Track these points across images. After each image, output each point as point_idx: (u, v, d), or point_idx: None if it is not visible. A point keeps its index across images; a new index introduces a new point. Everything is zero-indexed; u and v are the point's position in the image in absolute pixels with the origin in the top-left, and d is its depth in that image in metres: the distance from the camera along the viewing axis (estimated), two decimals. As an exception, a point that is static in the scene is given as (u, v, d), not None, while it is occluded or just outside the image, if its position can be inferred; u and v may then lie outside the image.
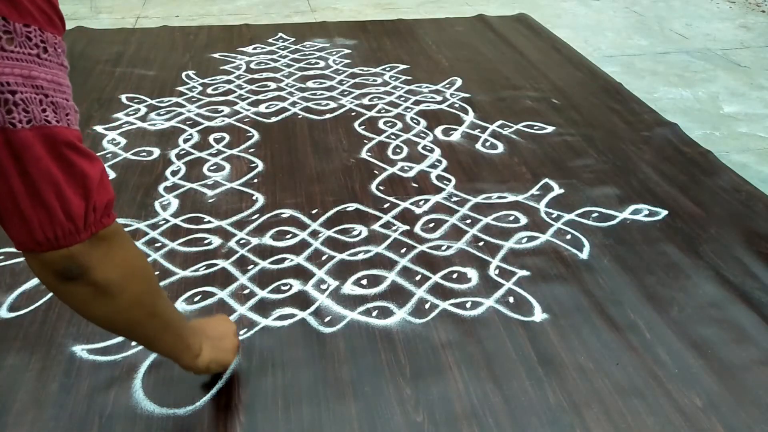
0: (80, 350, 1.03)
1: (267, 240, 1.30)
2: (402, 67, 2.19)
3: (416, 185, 1.51)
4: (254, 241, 1.30)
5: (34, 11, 0.56)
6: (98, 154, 1.58)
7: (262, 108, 1.87)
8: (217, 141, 1.68)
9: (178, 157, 1.60)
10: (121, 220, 1.35)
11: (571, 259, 1.27)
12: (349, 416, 0.93)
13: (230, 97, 1.93)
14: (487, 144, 1.70)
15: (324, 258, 1.25)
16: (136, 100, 1.90)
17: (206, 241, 1.29)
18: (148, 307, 0.75)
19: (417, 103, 1.92)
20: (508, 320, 1.11)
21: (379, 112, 1.86)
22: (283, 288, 1.18)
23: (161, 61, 2.18)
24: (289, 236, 1.32)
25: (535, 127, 1.79)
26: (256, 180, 1.51)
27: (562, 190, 1.49)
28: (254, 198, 1.44)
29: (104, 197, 0.63)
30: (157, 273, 1.20)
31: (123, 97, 1.91)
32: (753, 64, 2.59)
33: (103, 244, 0.65)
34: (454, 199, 1.45)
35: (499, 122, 1.82)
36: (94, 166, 0.62)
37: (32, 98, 0.56)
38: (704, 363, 1.03)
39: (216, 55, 2.25)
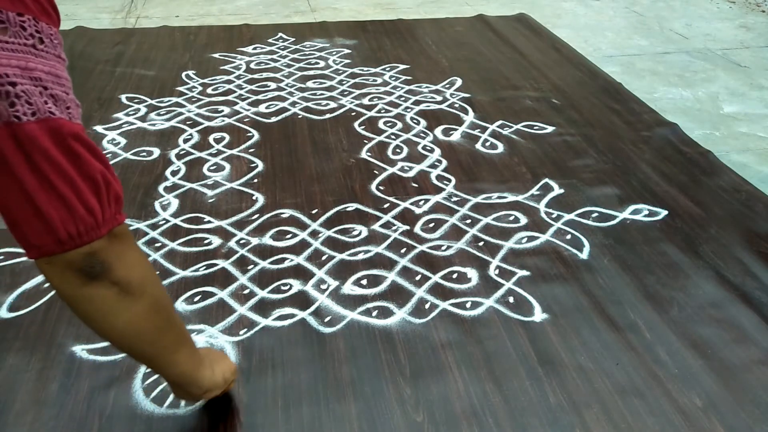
0: (80, 350, 1.03)
1: (267, 240, 1.30)
2: (402, 67, 2.19)
3: (416, 185, 1.51)
4: (254, 241, 1.30)
5: (27, 0, 0.54)
6: (98, 154, 1.59)
7: (262, 108, 1.87)
8: (217, 141, 1.68)
9: (178, 157, 1.60)
10: (121, 220, 1.35)
11: (571, 259, 1.27)
12: (349, 416, 0.93)
13: (230, 97, 1.93)
14: (487, 144, 1.70)
15: (324, 258, 1.25)
16: (136, 100, 1.90)
17: (206, 241, 1.29)
18: (167, 312, 0.72)
19: (417, 103, 1.92)
20: (508, 320, 1.11)
21: (379, 112, 1.86)
22: (283, 288, 1.18)
23: (161, 61, 2.18)
24: (289, 236, 1.32)
25: (535, 127, 1.79)
26: (256, 180, 1.51)
27: (562, 190, 1.49)
28: (254, 198, 1.44)
29: (115, 190, 0.61)
30: (156, 273, 1.20)
31: (123, 97, 1.91)
32: (753, 64, 2.59)
33: (119, 241, 0.63)
34: (454, 199, 1.45)
35: (499, 122, 1.82)
36: (101, 159, 0.60)
37: (32, 90, 0.53)
38: (704, 363, 1.03)
39: (216, 55, 2.25)
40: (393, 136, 1.73)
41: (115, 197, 0.62)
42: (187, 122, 1.78)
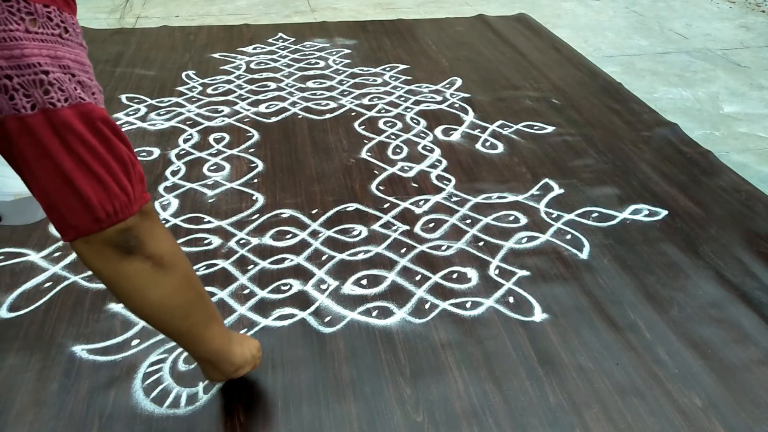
0: (80, 350, 1.03)
1: (267, 240, 1.30)
2: (402, 67, 2.19)
3: (416, 185, 1.51)
4: (254, 241, 1.30)
5: None
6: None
7: (262, 108, 1.87)
8: (217, 141, 1.68)
9: (178, 157, 1.60)
10: (121, 220, 1.35)
11: (571, 259, 1.27)
12: (349, 416, 0.93)
13: (230, 97, 1.93)
14: (487, 144, 1.70)
15: (324, 258, 1.25)
16: (136, 100, 1.90)
17: (206, 241, 1.29)
18: (197, 287, 0.75)
19: (417, 103, 1.92)
20: (508, 320, 1.11)
21: (379, 112, 1.86)
22: (283, 288, 1.18)
23: (161, 61, 2.18)
24: (289, 236, 1.32)
25: (535, 127, 1.79)
26: (256, 180, 1.51)
27: (562, 190, 1.50)
28: (254, 198, 1.44)
29: (139, 170, 0.64)
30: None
31: (123, 97, 1.91)
32: (753, 64, 2.59)
33: (148, 218, 0.65)
34: (454, 199, 1.45)
35: (499, 122, 1.82)
36: (125, 142, 0.62)
37: (63, 78, 0.56)
38: (704, 363, 1.03)
39: (216, 55, 2.25)
40: (393, 136, 1.73)
41: (140, 177, 0.64)
42: (187, 122, 1.78)
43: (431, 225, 1.36)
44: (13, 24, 0.53)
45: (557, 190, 1.49)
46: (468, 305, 1.15)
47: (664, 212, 1.42)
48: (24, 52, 0.54)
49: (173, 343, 1.04)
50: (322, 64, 2.21)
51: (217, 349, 0.82)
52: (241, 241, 1.29)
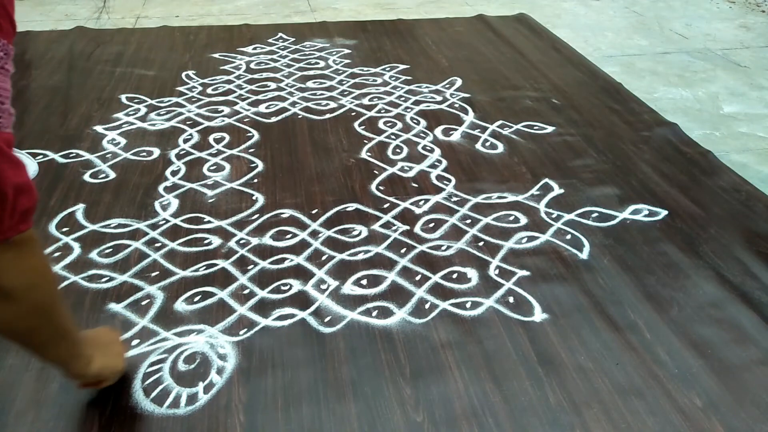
0: (80, 350, 1.03)
1: (267, 240, 1.30)
2: (402, 67, 2.19)
3: (416, 185, 1.51)
4: (254, 241, 1.30)
5: None
6: (98, 154, 1.59)
7: (262, 108, 1.87)
8: (217, 141, 1.68)
9: (178, 157, 1.60)
10: (121, 220, 1.35)
11: (571, 259, 1.27)
12: (349, 416, 0.93)
13: (230, 97, 1.93)
14: (487, 144, 1.70)
15: (324, 258, 1.25)
16: (136, 100, 1.90)
17: (206, 241, 1.29)
18: (47, 316, 0.74)
19: (417, 103, 1.92)
20: (508, 320, 1.11)
21: (379, 112, 1.86)
22: (283, 288, 1.18)
23: (161, 61, 2.18)
24: (289, 236, 1.32)
25: (535, 127, 1.79)
26: (256, 180, 1.51)
27: (562, 190, 1.50)
28: (254, 198, 1.44)
29: (24, 204, 0.63)
30: (156, 273, 1.20)
31: (123, 97, 1.91)
32: (753, 64, 2.59)
33: (14, 249, 0.64)
34: (454, 199, 1.45)
35: (499, 122, 1.82)
36: (17, 173, 0.61)
37: None
38: (704, 363, 1.03)
39: (216, 55, 2.25)
40: (393, 136, 1.73)
41: (23, 209, 0.63)
42: (187, 122, 1.78)
43: (431, 225, 1.36)
44: None
45: (557, 190, 1.49)
46: (468, 305, 1.15)
47: (664, 212, 1.42)
48: None
49: (173, 344, 1.05)
50: (322, 64, 2.21)
51: (59, 361, 0.81)
52: (241, 241, 1.29)
